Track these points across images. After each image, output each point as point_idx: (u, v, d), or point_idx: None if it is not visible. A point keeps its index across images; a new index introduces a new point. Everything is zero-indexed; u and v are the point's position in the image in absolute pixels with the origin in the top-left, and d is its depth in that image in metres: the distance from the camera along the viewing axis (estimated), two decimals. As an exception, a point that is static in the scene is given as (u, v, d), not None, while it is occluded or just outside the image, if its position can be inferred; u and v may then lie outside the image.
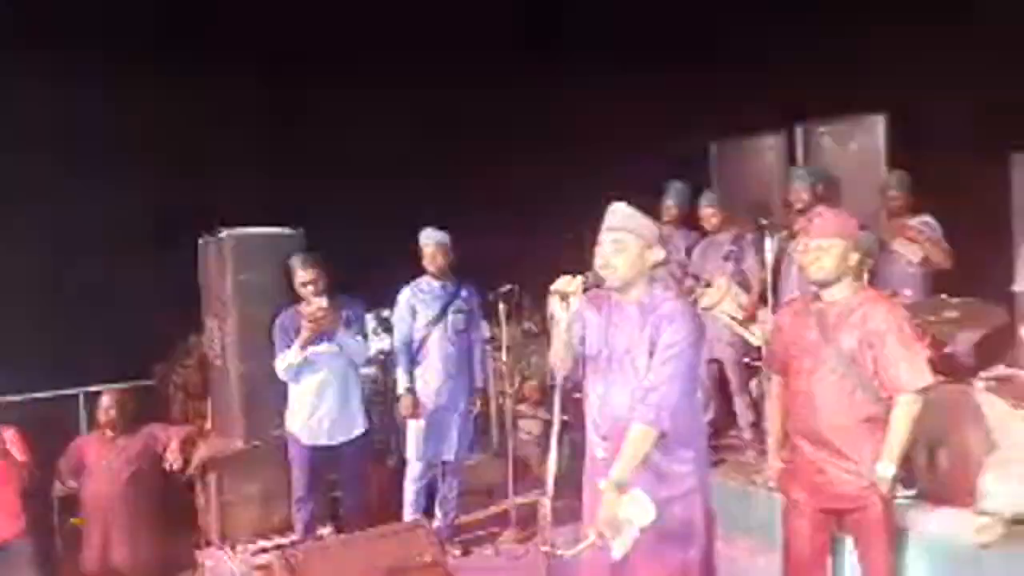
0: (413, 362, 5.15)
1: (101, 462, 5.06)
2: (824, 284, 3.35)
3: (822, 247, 3.31)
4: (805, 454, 3.40)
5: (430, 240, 5.14)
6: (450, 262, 5.18)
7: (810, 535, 3.42)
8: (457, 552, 5.19)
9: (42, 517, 5.09)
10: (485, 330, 5.75)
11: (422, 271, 5.20)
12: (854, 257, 3.33)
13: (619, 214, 3.17)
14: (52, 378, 6.26)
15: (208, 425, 5.90)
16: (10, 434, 4.65)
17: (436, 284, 5.18)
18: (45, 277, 6.45)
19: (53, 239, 6.48)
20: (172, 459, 5.11)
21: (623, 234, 3.13)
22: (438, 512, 5.28)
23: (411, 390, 5.10)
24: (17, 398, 5.80)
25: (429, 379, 5.14)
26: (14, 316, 6.05)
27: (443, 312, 5.14)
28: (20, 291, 6.24)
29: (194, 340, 6.30)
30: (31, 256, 6.32)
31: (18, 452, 4.62)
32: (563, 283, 3.01)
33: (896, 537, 3.38)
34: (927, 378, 3.23)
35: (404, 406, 5.11)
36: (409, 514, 5.10)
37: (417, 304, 5.15)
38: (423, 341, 5.13)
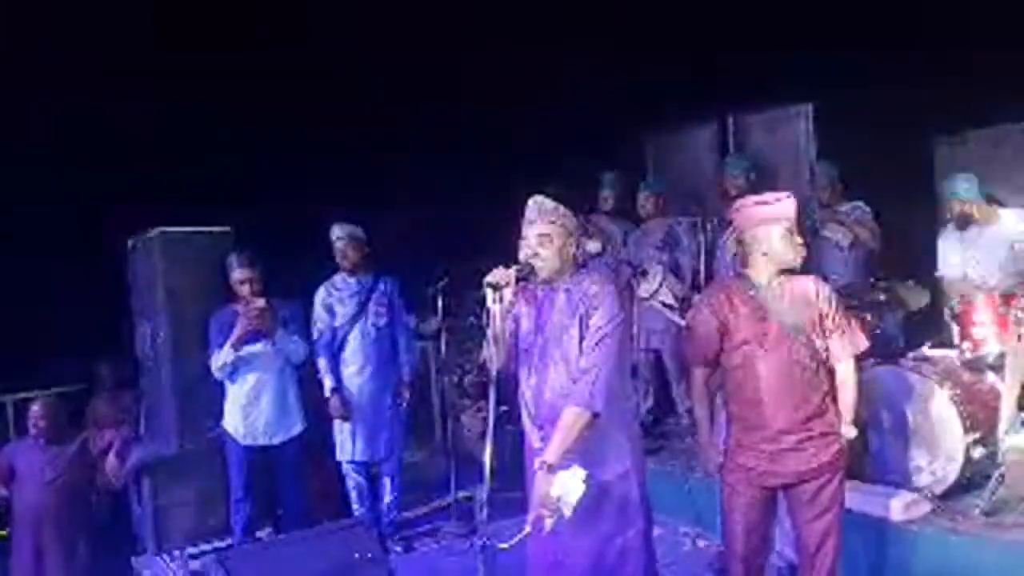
0: (337, 361, 5.05)
1: (32, 470, 4.94)
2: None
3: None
4: (761, 435, 3.35)
5: (340, 234, 5.03)
6: (365, 256, 5.06)
7: (758, 517, 3.42)
8: (399, 548, 5.14)
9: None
10: (433, 323, 5.64)
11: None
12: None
13: (540, 207, 3.18)
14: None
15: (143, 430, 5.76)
16: None
17: (351, 280, 5.06)
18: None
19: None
20: (109, 466, 5.00)
21: (546, 226, 3.15)
22: (380, 509, 5.22)
23: (337, 390, 5.00)
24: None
25: (353, 377, 5.04)
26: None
27: (361, 308, 5.03)
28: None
29: (103, 367, 6.14)
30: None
31: None
32: (496, 275, 3.01)
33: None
34: (864, 342, 3.40)
35: (333, 407, 5.00)
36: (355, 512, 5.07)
37: (334, 302, 5.03)
38: (344, 339, 5.03)
